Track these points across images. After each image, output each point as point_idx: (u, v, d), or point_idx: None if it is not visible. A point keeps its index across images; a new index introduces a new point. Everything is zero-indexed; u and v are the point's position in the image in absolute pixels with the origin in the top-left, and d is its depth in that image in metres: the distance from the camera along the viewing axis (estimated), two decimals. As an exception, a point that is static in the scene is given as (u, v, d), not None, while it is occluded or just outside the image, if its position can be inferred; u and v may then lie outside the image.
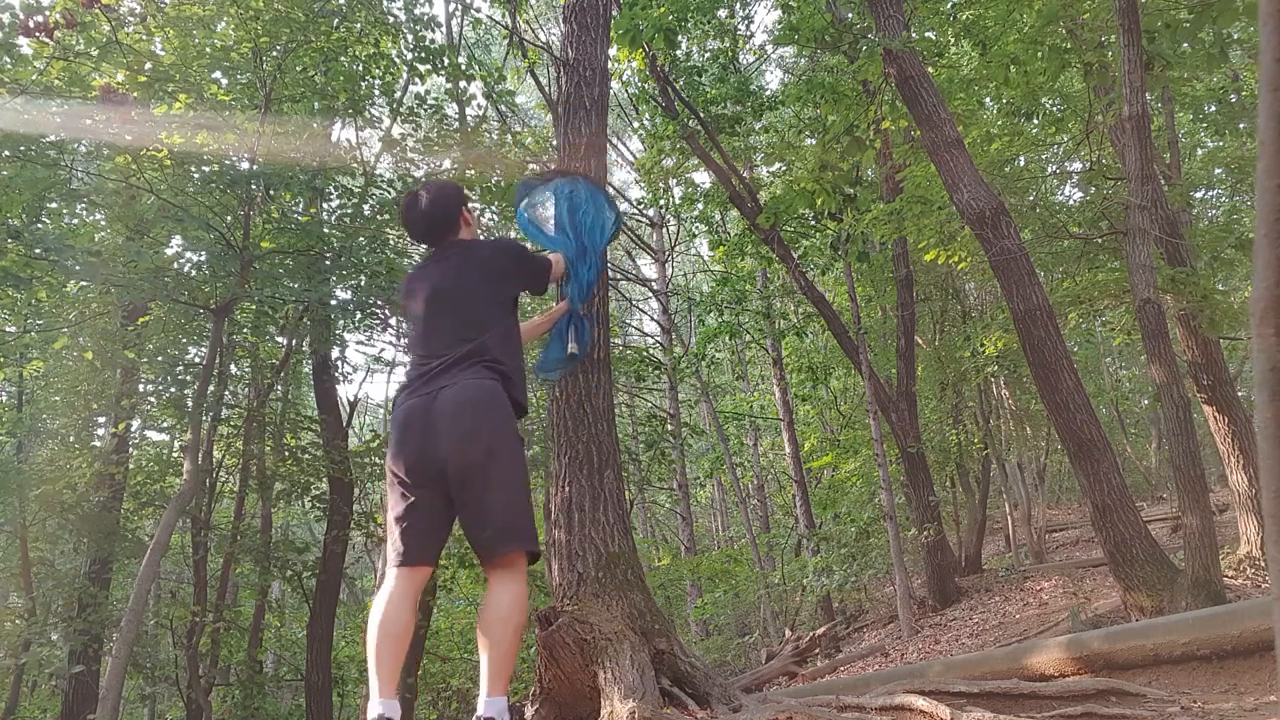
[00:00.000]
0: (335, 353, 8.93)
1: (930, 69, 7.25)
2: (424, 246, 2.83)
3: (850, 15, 9.00)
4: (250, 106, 7.41)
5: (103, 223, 8.78)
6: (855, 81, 7.96)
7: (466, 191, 2.88)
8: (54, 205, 8.36)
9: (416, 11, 8.25)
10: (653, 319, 15.89)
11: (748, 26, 14.62)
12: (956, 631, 7.86)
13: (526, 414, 2.56)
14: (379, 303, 7.31)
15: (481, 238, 2.85)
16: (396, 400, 2.51)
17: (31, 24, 5.14)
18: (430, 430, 2.35)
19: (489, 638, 2.33)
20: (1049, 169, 10.29)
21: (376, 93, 8.37)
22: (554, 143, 6.98)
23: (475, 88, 9.40)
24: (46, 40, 5.46)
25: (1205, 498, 5.34)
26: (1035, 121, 8.18)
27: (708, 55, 11.01)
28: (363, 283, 7.13)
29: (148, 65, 6.69)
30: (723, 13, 11.20)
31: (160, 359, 9.03)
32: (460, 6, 10.94)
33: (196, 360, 8.89)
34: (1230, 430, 6.87)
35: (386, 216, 8.03)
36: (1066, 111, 8.26)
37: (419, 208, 2.72)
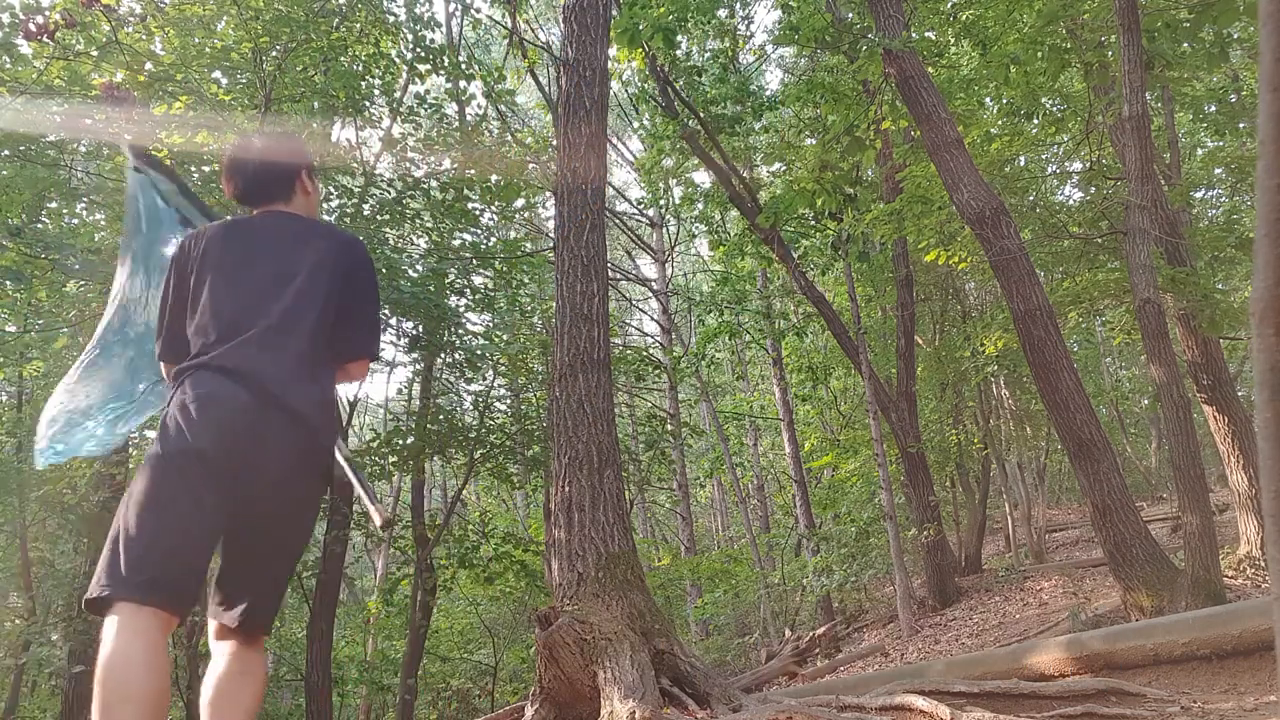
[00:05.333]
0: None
1: (930, 69, 7.25)
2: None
3: (850, 15, 9.00)
4: (250, 106, 7.41)
5: (103, 223, 8.78)
6: (855, 81, 7.96)
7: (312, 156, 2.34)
8: (54, 205, 8.36)
9: (416, 11, 8.25)
10: (653, 319, 15.88)
11: (748, 26, 14.63)
12: (956, 631, 7.86)
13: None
14: (379, 302, 7.31)
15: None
16: (191, 370, 1.88)
17: (33, 26, 5.14)
18: (250, 435, 1.80)
19: None
20: (1049, 169, 10.29)
21: (376, 93, 8.37)
22: (554, 143, 6.98)
23: (475, 88, 9.40)
24: (47, 41, 5.46)
25: (1205, 498, 5.34)
26: (1035, 121, 8.18)
27: (708, 55, 11.01)
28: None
29: (148, 65, 6.69)
30: (723, 13, 11.20)
31: (160, 359, 9.01)
32: (460, 6, 10.94)
33: (196, 360, 8.86)
34: (1230, 430, 6.87)
35: (386, 216, 8.03)
36: (1066, 111, 8.26)
37: (249, 156, 2.17)
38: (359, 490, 2.10)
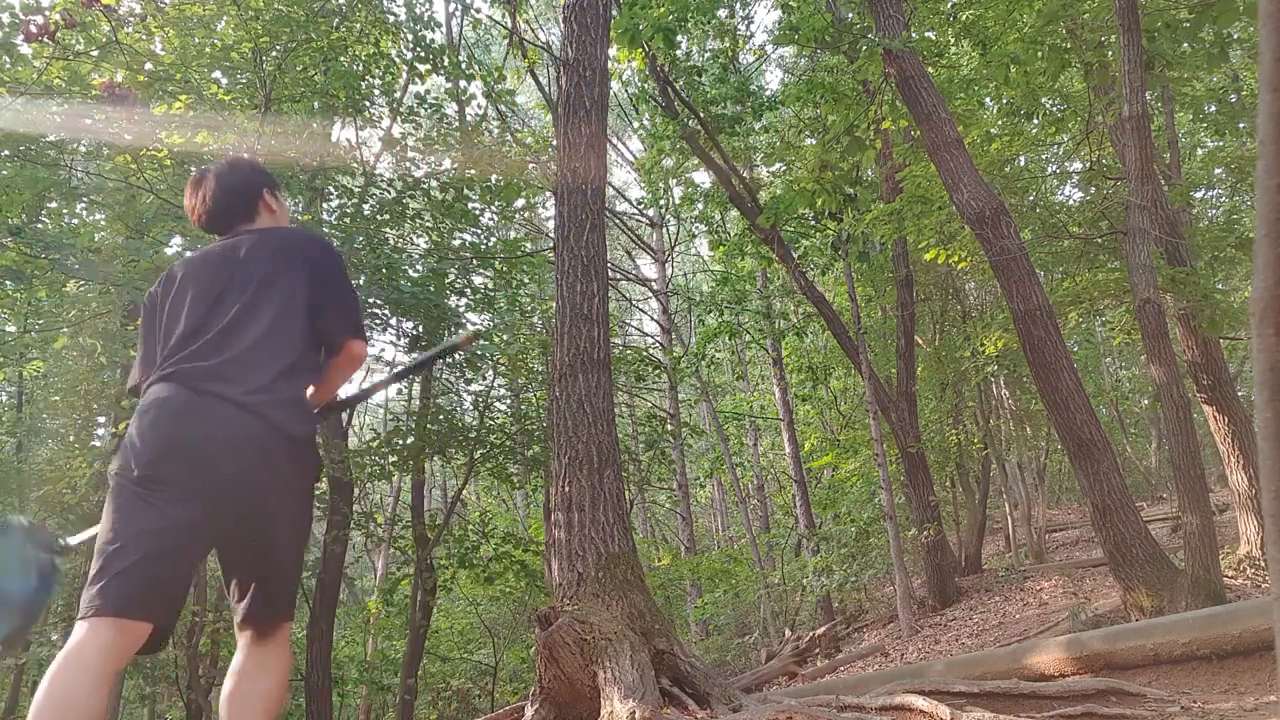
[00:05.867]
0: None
1: (930, 69, 7.25)
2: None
3: (850, 15, 9.00)
4: (250, 106, 7.41)
5: (103, 222, 8.79)
6: (855, 81, 7.96)
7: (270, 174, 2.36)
8: (54, 205, 8.37)
9: (416, 11, 8.25)
10: (653, 319, 15.88)
11: (748, 26, 14.63)
12: (956, 631, 7.86)
13: (320, 474, 2.11)
14: (379, 302, 7.32)
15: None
16: (146, 388, 1.94)
17: (34, 27, 5.14)
18: (192, 429, 1.81)
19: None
20: (1049, 169, 10.29)
21: (376, 93, 8.37)
22: (554, 143, 6.98)
23: (475, 87, 9.40)
24: (47, 42, 5.46)
25: (1205, 498, 5.34)
26: (1035, 121, 8.18)
27: (708, 55, 11.01)
28: (362, 282, 7.14)
29: (148, 65, 6.69)
30: (723, 13, 11.20)
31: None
32: (460, 6, 10.94)
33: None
34: (1230, 430, 6.87)
35: (386, 216, 8.04)
36: (1066, 111, 8.26)
37: (205, 186, 2.20)
38: (437, 351, 2.54)
